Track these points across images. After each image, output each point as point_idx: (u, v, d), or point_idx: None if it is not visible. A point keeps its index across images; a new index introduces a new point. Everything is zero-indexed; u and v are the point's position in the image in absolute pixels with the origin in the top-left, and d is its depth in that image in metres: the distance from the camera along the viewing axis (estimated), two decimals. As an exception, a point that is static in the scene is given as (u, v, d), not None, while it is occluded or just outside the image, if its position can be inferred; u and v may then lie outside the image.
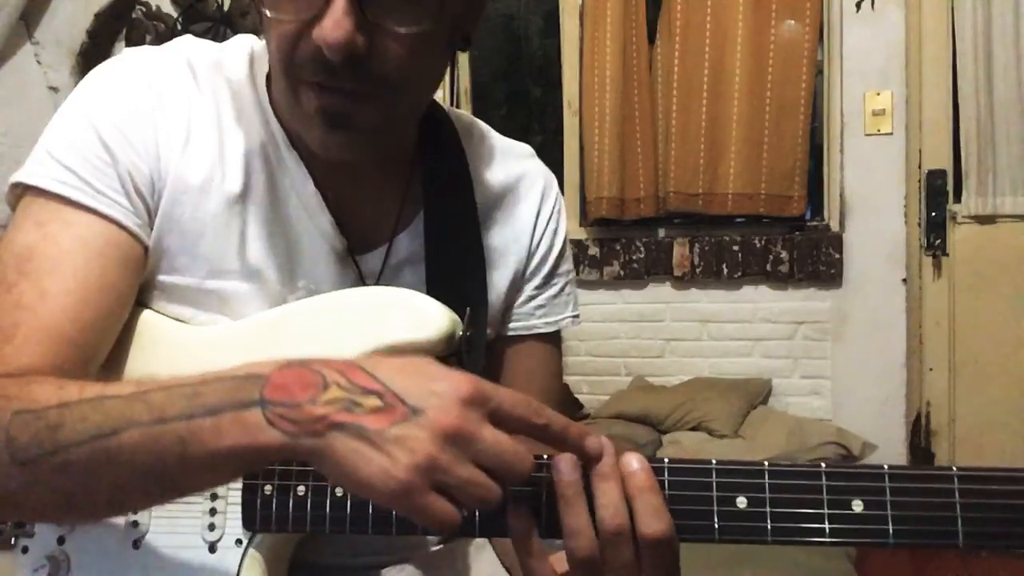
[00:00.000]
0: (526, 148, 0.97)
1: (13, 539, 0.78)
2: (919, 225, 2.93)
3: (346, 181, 0.82)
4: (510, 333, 0.93)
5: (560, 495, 0.60)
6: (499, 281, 0.90)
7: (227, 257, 0.79)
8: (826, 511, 0.60)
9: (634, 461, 0.62)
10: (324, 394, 0.57)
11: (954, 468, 0.59)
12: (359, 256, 0.84)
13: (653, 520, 0.60)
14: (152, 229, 0.78)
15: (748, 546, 0.63)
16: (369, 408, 0.57)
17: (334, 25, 0.66)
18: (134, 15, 3.06)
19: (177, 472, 0.60)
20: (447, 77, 3.22)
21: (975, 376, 2.89)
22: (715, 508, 0.62)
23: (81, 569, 0.76)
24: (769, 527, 0.61)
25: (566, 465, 0.61)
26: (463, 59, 3.40)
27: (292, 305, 0.80)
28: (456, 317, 0.76)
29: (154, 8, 3.07)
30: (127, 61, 0.80)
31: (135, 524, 0.76)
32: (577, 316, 0.98)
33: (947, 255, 2.91)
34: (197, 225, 0.78)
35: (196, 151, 0.78)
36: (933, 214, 2.91)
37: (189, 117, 0.78)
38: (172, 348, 0.79)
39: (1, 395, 0.64)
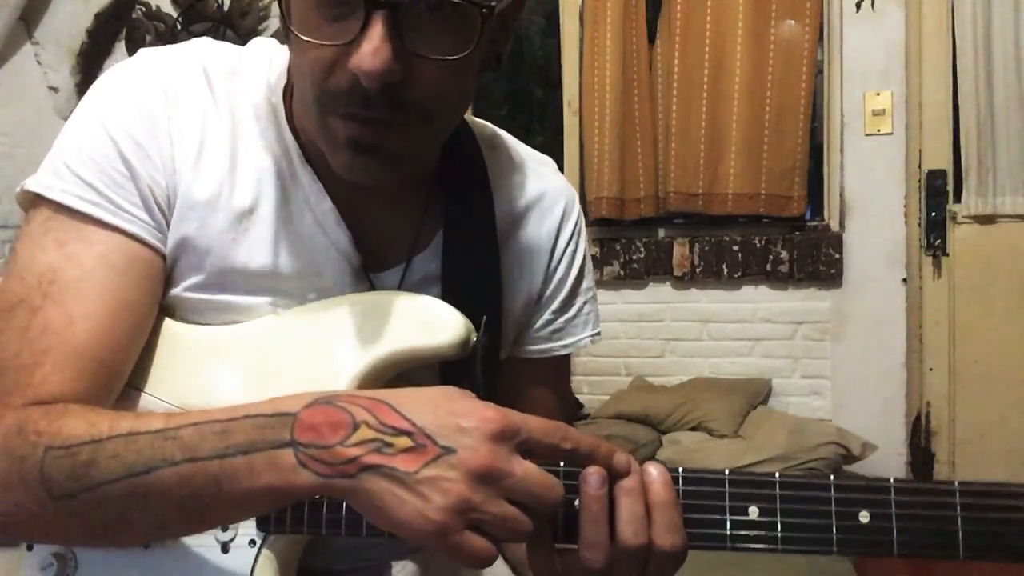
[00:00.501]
0: (548, 162, 0.94)
1: (18, 536, 0.78)
2: (919, 225, 2.93)
3: (364, 198, 0.81)
4: (526, 356, 0.92)
5: (585, 507, 0.61)
6: (514, 302, 0.88)
7: (234, 272, 0.78)
8: (834, 522, 0.62)
9: (654, 472, 0.62)
10: (354, 435, 0.58)
11: (956, 483, 0.61)
12: (374, 274, 0.82)
13: (669, 535, 0.61)
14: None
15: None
16: (400, 448, 0.57)
17: (372, 52, 0.63)
18: (134, 15, 3.05)
19: (211, 508, 0.61)
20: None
21: (975, 376, 2.89)
22: (727, 517, 0.63)
23: (88, 568, 0.75)
24: (779, 536, 0.62)
25: (595, 479, 0.61)
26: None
27: (307, 307, 0.79)
28: (470, 324, 0.76)
29: (154, 8, 3.07)
30: (143, 65, 0.78)
31: None
32: (598, 334, 0.95)
33: (947, 255, 2.91)
34: (204, 240, 0.77)
35: (207, 166, 0.76)
36: (933, 214, 2.91)
37: (203, 130, 0.77)
38: (182, 348, 0.78)
39: (33, 430, 0.64)
